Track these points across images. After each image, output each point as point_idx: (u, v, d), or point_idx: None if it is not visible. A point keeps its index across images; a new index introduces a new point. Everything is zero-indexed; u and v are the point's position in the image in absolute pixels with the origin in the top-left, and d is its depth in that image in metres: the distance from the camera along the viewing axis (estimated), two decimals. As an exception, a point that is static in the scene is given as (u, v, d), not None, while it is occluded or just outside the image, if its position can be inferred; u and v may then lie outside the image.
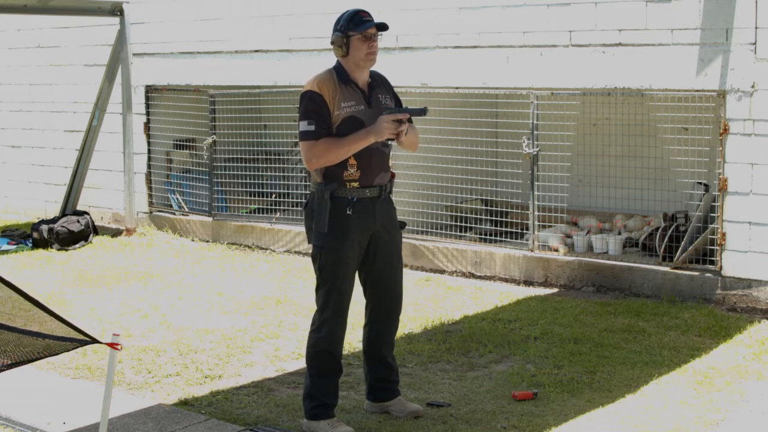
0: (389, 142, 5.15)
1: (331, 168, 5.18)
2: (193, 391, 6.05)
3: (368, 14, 5.22)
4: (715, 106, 8.05)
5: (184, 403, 5.82)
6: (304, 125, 5.13)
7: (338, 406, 5.56)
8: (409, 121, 5.28)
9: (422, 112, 5.14)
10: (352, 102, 5.17)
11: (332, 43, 5.23)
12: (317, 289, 5.32)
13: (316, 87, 5.15)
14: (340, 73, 5.21)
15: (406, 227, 5.73)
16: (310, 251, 5.39)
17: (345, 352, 6.75)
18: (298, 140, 5.27)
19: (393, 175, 5.43)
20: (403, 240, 9.85)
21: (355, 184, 5.20)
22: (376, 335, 5.50)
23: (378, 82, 5.37)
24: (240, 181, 11.27)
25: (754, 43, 7.66)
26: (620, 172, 9.56)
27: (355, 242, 5.22)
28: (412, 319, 7.61)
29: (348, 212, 5.18)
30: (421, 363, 6.53)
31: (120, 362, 6.55)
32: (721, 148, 7.90)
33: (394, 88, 5.56)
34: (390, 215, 5.40)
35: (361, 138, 5.10)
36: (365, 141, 5.09)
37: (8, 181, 13.81)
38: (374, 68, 5.38)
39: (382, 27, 5.20)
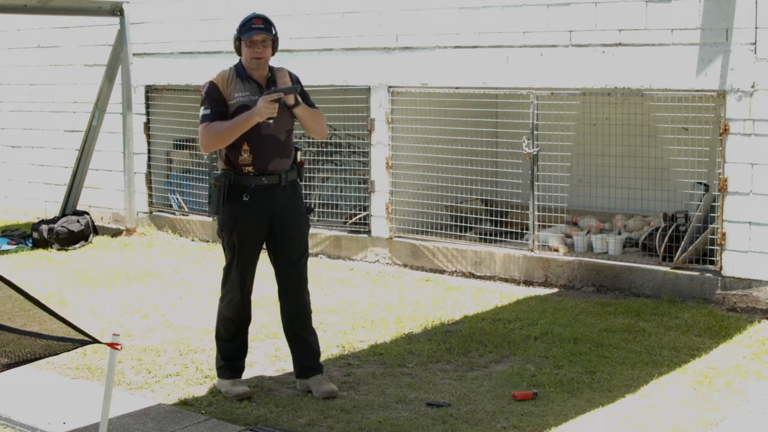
0: (269, 122, 5.60)
1: (227, 154, 5.72)
2: (193, 391, 6.05)
3: (260, 21, 5.74)
4: (715, 106, 8.05)
5: (184, 403, 5.83)
6: (201, 110, 5.73)
7: (337, 406, 5.58)
8: (299, 102, 5.70)
9: (293, 89, 5.67)
10: (246, 93, 5.72)
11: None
12: (224, 266, 5.93)
13: (214, 79, 5.76)
14: (239, 69, 5.81)
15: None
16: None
17: (345, 352, 6.78)
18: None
19: (302, 164, 5.92)
20: (403, 240, 9.98)
21: (250, 169, 5.71)
22: (285, 314, 5.98)
23: (278, 75, 5.83)
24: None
25: (754, 43, 7.66)
26: (620, 172, 9.55)
27: (250, 225, 5.73)
28: (412, 319, 7.61)
29: (245, 198, 5.71)
30: (421, 363, 6.53)
31: (120, 362, 6.55)
32: (721, 148, 7.90)
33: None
34: (292, 202, 5.84)
35: (245, 119, 5.61)
36: (249, 122, 5.59)
37: (8, 181, 13.81)
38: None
39: (267, 31, 5.70)
